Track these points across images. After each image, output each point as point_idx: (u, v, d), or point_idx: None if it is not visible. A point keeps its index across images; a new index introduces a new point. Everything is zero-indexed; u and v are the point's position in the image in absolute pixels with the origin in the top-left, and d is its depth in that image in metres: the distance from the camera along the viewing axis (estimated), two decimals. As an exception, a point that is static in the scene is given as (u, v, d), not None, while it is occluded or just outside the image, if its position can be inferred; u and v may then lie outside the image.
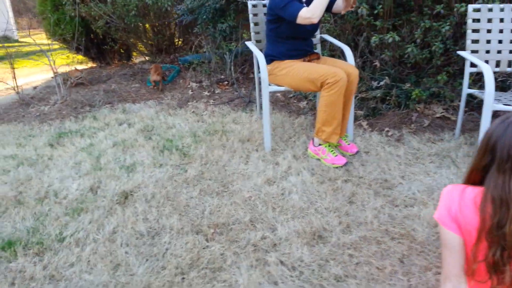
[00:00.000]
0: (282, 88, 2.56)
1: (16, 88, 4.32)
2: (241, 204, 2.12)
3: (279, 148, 2.70)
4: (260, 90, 3.23)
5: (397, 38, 2.76)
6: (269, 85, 2.55)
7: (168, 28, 4.92)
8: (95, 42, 5.73)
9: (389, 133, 2.83)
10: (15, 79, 4.37)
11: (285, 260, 1.73)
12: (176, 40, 5.35)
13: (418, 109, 3.02)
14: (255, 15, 2.88)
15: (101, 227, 2.00)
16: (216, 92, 3.89)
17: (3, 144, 3.16)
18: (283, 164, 2.49)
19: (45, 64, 4.31)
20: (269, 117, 2.60)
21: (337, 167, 2.42)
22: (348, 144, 2.60)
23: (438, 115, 2.97)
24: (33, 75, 6.74)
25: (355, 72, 2.43)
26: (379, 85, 3.12)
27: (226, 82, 3.99)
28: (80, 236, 1.95)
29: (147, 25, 5.20)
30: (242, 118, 3.26)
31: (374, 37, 2.89)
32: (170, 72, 4.66)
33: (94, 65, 6.24)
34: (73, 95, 4.12)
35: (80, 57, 6.49)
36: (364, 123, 2.96)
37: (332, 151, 2.47)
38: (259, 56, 2.54)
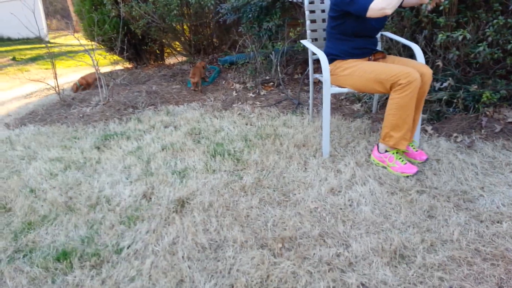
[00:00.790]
0: (345, 90, 2.38)
1: (57, 89, 4.29)
2: (307, 216, 1.95)
3: (339, 154, 2.52)
4: (313, 92, 3.06)
5: (468, 35, 2.53)
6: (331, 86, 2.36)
7: (208, 27, 4.81)
8: (133, 42, 5.69)
9: (458, 139, 2.60)
10: (57, 80, 4.35)
11: (367, 282, 1.55)
12: (215, 40, 5.23)
13: (488, 113, 2.77)
14: (312, 11, 2.71)
15: (160, 237, 1.87)
16: (262, 93, 3.73)
17: (48, 146, 3.10)
18: (346, 172, 2.30)
19: (76, 65, 4.26)
20: (329, 121, 2.42)
21: (407, 176, 2.22)
22: (416, 151, 2.39)
23: (510, 120, 2.71)
24: (64, 76, 6.76)
25: (429, 72, 2.22)
26: (442, 86, 2.89)
27: (272, 83, 3.83)
28: (138, 247, 1.82)
29: (185, 26, 5.11)
30: (293, 121, 3.09)
31: (440, 35, 2.66)
32: (210, 73, 4.54)
33: (130, 66, 6.21)
34: (115, 97, 4.06)
35: (116, 57, 6.48)
36: (429, 128, 2.74)
37: (400, 158, 2.27)
38: (320, 55, 2.36)
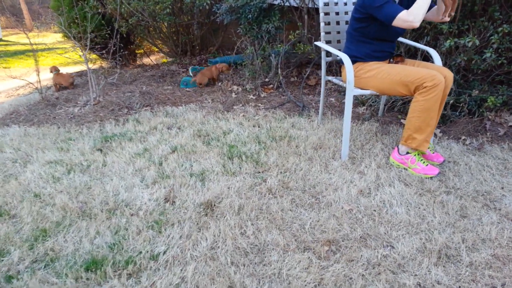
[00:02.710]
0: (367, 92, 2.39)
1: (40, 88, 4.04)
2: (343, 218, 1.93)
3: (357, 156, 2.52)
4: (325, 95, 3.06)
5: (477, 42, 2.63)
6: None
7: (199, 28, 4.71)
8: (115, 41, 5.47)
9: (467, 142, 2.68)
10: (39, 77, 4.09)
11: (422, 283, 1.54)
12: (197, 41, 5.12)
13: (490, 117, 2.88)
14: (326, 14, 2.71)
15: (197, 242, 1.78)
16: (262, 95, 3.69)
17: (42, 148, 2.90)
18: (369, 174, 2.31)
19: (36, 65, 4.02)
20: (350, 124, 2.42)
21: (430, 178, 2.25)
22: (433, 153, 2.44)
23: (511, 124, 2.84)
24: (27, 75, 6.40)
25: (450, 76, 2.28)
26: (446, 91, 2.97)
27: (271, 86, 3.80)
28: (174, 253, 1.73)
29: (165, 25, 4.98)
30: (301, 124, 3.08)
31: (448, 41, 2.75)
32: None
33: (104, 64, 5.97)
34: (106, 97, 3.87)
35: (94, 56, 6.21)
36: (437, 131, 2.81)
37: (421, 160, 2.31)
38: (344, 57, 2.36)
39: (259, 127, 3.07)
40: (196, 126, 3.13)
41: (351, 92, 2.34)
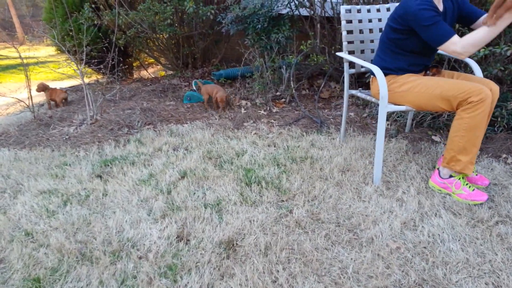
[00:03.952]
0: (402, 108, 2.12)
1: (31, 106, 3.74)
2: (391, 259, 1.64)
3: (392, 180, 2.24)
4: (347, 111, 2.79)
5: (517, 50, 2.37)
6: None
7: (201, 40, 4.44)
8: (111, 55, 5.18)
9: (508, 160, 2.42)
10: (30, 94, 3.79)
11: None
12: (199, 54, 4.86)
13: (528, 131, 2.62)
14: (348, 21, 2.45)
15: (221, 296, 1.48)
16: (274, 110, 3.42)
17: (34, 175, 2.59)
18: (410, 201, 2.02)
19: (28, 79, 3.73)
20: (383, 145, 2.14)
21: (478, 204, 1.97)
22: (476, 175, 2.17)
23: (552, 139, 2.58)
24: (19, 91, 6.11)
25: (496, 89, 2.02)
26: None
27: (283, 100, 3.53)
28: (196, 310, 1.42)
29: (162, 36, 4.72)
30: (322, 142, 2.80)
31: (483, 50, 2.49)
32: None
33: (99, 78, 5.69)
34: (104, 115, 3.57)
35: (89, 70, 5.93)
36: (474, 148, 2.54)
37: (467, 184, 2.03)
38: (375, 69, 2.09)
39: (275, 146, 2.79)
40: (205, 146, 2.84)
41: (385, 108, 2.07)
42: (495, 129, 2.67)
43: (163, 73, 6.29)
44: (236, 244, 1.77)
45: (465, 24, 2.10)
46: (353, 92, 2.51)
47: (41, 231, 1.96)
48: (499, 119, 2.63)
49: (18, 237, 1.92)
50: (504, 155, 2.47)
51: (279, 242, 1.76)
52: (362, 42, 2.51)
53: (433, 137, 2.77)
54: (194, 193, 2.20)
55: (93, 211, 2.12)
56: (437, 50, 2.18)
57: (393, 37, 2.08)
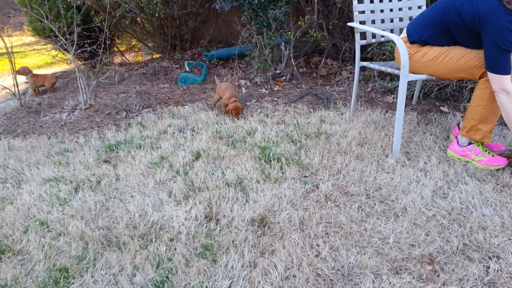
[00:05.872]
0: (422, 77, 2.10)
1: (18, 93, 3.53)
2: (428, 226, 1.63)
3: (410, 151, 2.24)
4: (357, 85, 2.75)
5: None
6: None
7: (193, 19, 4.29)
8: (93, 37, 4.94)
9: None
10: (16, 81, 3.58)
11: (558, 303, 1.26)
12: (188, 34, 4.71)
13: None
14: (360, -8, 2.40)
15: (266, 272, 1.43)
16: (275, 89, 3.35)
17: (35, 164, 2.45)
18: (434, 171, 2.02)
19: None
20: (403, 116, 2.13)
21: (498, 169, 1.99)
22: (492, 142, 2.19)
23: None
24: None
25: None
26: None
27: (283, 78, 3.47)
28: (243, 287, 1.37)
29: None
30: (332, 118, 2.76)
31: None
32: (200, 70, 4.06)
33: (80, 64, 5.44)
34: (98, 99, 3.42)
35: (62, 55, 5.65)
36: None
37: (486, 150, 2.05)
38: (394, 38, 2.05)
39: (284, 124, 2.73)
40: (212, 127, 2.76)
41: (406, 77, 2.04)
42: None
43: (140, 58, 6.08)
44: (269, 221, 1.72)
45: None
46: (365, 64, 2.48)
47: (57, 219, 1.86)
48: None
49: (32, 227, 1.81)
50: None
51: (313, 216, 1.72)
52: (372, 12, 2.46)
53: (441, 107, 2.78)
54: (213, 173, 2.13)
55: (109, 196, 2.02)
56: None
57: (444, 23, 1.96)
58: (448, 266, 1.43)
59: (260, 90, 3.35)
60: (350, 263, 1.46)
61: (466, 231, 1.59)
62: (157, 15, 3.88)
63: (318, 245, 1.56)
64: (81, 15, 4.66)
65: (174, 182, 2.08)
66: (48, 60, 6.49)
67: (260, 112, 2.97)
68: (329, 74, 3.68)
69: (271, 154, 2.26)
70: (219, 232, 1.67)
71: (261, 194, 1.91)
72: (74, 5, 3.26)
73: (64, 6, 4.23)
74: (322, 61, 3.54)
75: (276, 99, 3.17)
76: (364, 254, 1.51)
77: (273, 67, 3.49)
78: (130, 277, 1.46)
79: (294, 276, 1.41)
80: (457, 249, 1.51)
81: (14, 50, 3.82)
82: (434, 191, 1.86)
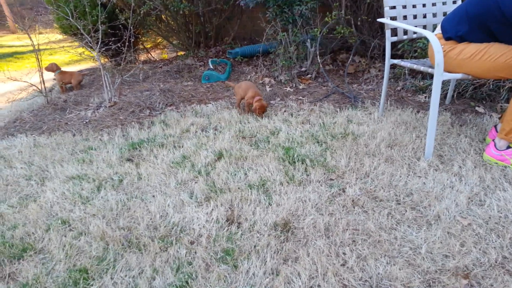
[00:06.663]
0: (458, 76, 1.97)
1: (44, 90, 3.57)
2: (463, 236, 1.52)
3: (444, 154, 2.12)
4: (387, 83, 2.64)
5: None
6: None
7: (217, 16, 4.25)
8: (118, 35, 4.96)
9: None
10: (43, 79, 3.63)
11: None
12: (213, 32, 4.66)
13: None
14: (391, -14, 2.28)
15: (295, 279, 1.36)
16: (300, 87, 3.26)
17: (59, 161, 2.46)
18: (470, 176, 1.90)
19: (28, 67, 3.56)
20: (436, 117, 2.01)
21: (542, 176, 1.85)
22: (532, 146, 2.03)
23: None
24: (23, 78, 5.92)
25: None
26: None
27: (309, 76, 3.37)
28: (265, 298, 1.31)
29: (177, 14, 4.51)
30: (359, 118, 2.66)
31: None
32: (224, 68, 4.01)
33: (106, 61, 5.49)
34: (122, 97, 3.42)
35: (88, 53, 5.72)
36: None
37: (527, 155, 1.90)
38: (428, 35, 1.94)
39: (309, 123, 2.65)
40: (235, 126, 2.70)
41: (440, 76, 1.92)
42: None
43: (166, 55, 6.09)
44: (293, 226, 1.65)
45: None
46: (396, 61, 2.36)
47: (78, 218, 1.84)
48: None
49: (54, 225, 1.80)
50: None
51: (339, 222, 1.64)
52: (404, 7, 2.34)
53: (476, 108, 2.63)
54: (235, 174, 2.08)
55: (130, 195, 1.99)
56: None
57: (481, 18, 1.86)
58: (485, 280, 1.32)
59: (285, 88, 3.27)
60: (379, 274, 1.38)
61: (505, 243, 1.48)
62: (181, 12, 3.85)
63: (344, 254, 1.48)
64: (107, 13, 4.69)
65: (195, 182, 2.04)
66: (75, 57, 6.59)
67: (285, 111, 2.89)
68: (356, 71, 3.56)
69: (295, 155, 2.18)
70: (241, 236, 1.61)
71: (285, 197, 1.84)
72: (99, 3, 3.25)
73: (90, 4, 4.26)
74: (350, 58, 3.42)
75: (301, 97, 3.09)
76: (394, 264, 1.42)
77: (298, 64, 3.40)
78: (149, 281, 1.42)
79: (319, 286, 1.34)
80: (496, 262, 1.40)
81: (42, 47, 3.88)
82: (469, 198, 1.74)
